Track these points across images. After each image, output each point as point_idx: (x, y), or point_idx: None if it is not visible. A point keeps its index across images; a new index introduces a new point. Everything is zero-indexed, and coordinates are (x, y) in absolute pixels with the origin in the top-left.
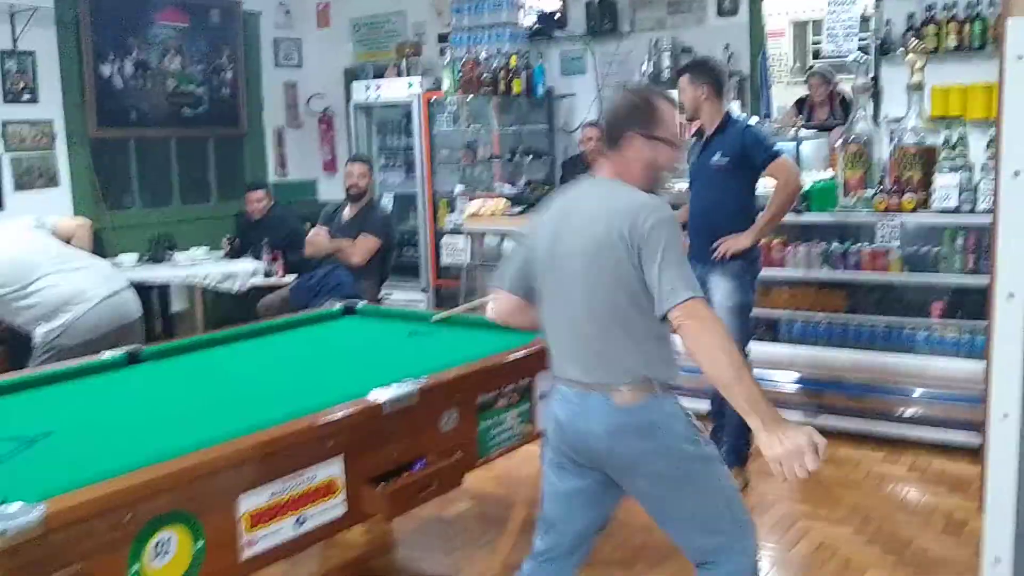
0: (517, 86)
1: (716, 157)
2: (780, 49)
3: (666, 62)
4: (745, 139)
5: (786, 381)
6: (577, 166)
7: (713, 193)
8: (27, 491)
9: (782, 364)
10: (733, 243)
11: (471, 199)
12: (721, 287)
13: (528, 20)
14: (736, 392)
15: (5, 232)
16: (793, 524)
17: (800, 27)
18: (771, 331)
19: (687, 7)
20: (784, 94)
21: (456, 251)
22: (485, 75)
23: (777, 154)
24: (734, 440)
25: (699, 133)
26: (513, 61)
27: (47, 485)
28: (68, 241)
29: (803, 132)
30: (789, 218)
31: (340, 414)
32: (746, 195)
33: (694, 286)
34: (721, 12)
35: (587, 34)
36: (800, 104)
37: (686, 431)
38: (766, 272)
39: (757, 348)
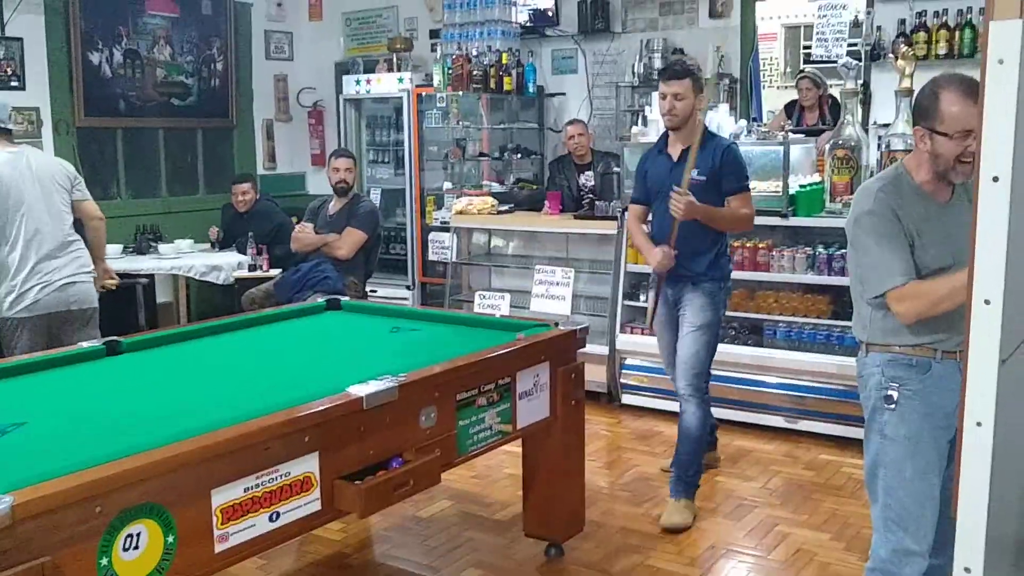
0: (508, 84)
1: (695, 172)
2: (772, 53)
3: (657, 63)
4: (727, 158)
5: (769, 384)
6: (564, 165)
7: None
8: None
9: (765, 367)
10: (691, 205)
11: (459, 196)
12: (693, 303)
13: (521, 17)
14: (957, 299)
15: (40, 163)
16: (772, 529)
17: (792, 31)
18: (755, 334)
19: (679, 8)
20: (775, 97)
21: (443, 248)
22: (476, 72)
23: (747, 188)
24: (683, 471)
25: (663, 142)
26: (504, 58)
27: (17, 476)
28: (77, 220)
29: (791, 136)
30: (776, 222)
31: (318, 409)
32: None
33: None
34: (713, 14)
35: (579, 33)
36: (790, 108)
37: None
38: (752, 275)
39: (741, 351)
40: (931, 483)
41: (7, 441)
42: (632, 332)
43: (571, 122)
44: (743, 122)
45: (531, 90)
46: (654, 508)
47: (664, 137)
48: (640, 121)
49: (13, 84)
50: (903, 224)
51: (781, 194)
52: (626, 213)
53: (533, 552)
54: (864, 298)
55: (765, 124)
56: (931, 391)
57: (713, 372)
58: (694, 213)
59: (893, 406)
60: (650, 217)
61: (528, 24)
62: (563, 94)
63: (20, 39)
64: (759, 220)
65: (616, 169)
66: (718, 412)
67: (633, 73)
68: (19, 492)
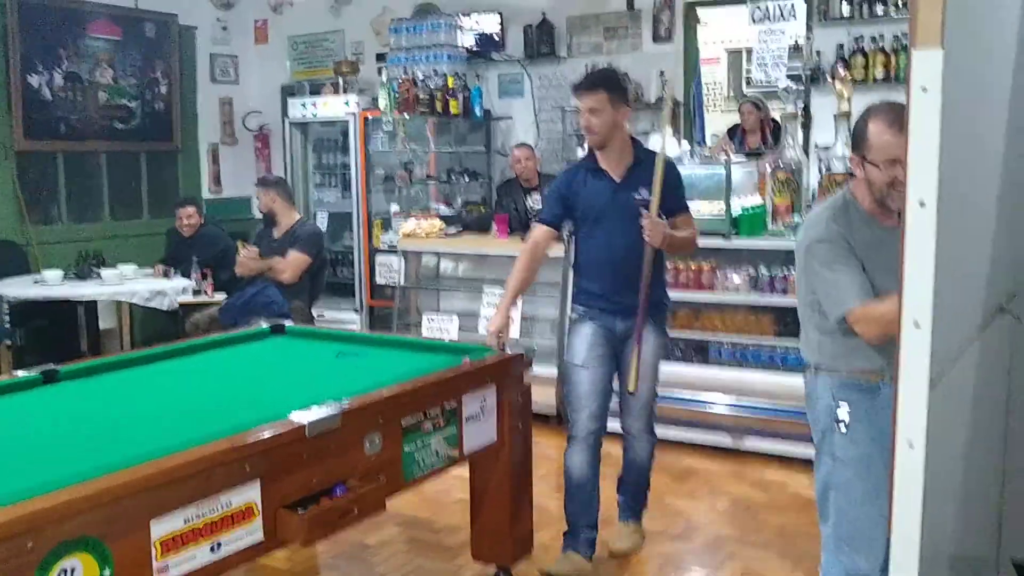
0: (455, 107)
1: (641, 193)
2: (715, 77)
3: None
4: (671, 175)
5: (714, 403)
6: (512, 188)
7: (635, 233)
8: None
9: (710, 386)
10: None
11: (406, 218)
12: (650, 341)
13: (467, 42)
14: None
15: None
16: (720, 549)
17: (735, 55)
18: (700, 353)
19: (623, 33)
20: (718, 121)
21: (390, 271)
22: (422, 95)
23: (686, 205)
24: (633, 498)
25: (592, 160)
26: (451, 82)
27: None
28: None
29: (734, 158)
30: (719, 243)
31: (260, 436)
32: None
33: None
34: (656, 39)
35: (525, 57)
36: (732, 131)
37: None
38: (696, 296)
39: (686, 370)
40: (882, 504)
41: None
42: None
43: (518, 146)
44: (686, 144)
45: (478, 114)
46: (602, 530)
47: (592, 155)
48: (583, 144)
49: None
50: (854, 250)
51: (724, 216)
52: (534, 232)
53: None
54: (817, 324)
55: (708, 147)
56: (880, 413)
57: (659, 392)
58: (665, 241)
59: (844, 428)
60: (573, 245)
61: (474, 48)
62: (510, 118)
63: None
64: (703, 242)
65: None
66: (663, 432)
67: None
68: None
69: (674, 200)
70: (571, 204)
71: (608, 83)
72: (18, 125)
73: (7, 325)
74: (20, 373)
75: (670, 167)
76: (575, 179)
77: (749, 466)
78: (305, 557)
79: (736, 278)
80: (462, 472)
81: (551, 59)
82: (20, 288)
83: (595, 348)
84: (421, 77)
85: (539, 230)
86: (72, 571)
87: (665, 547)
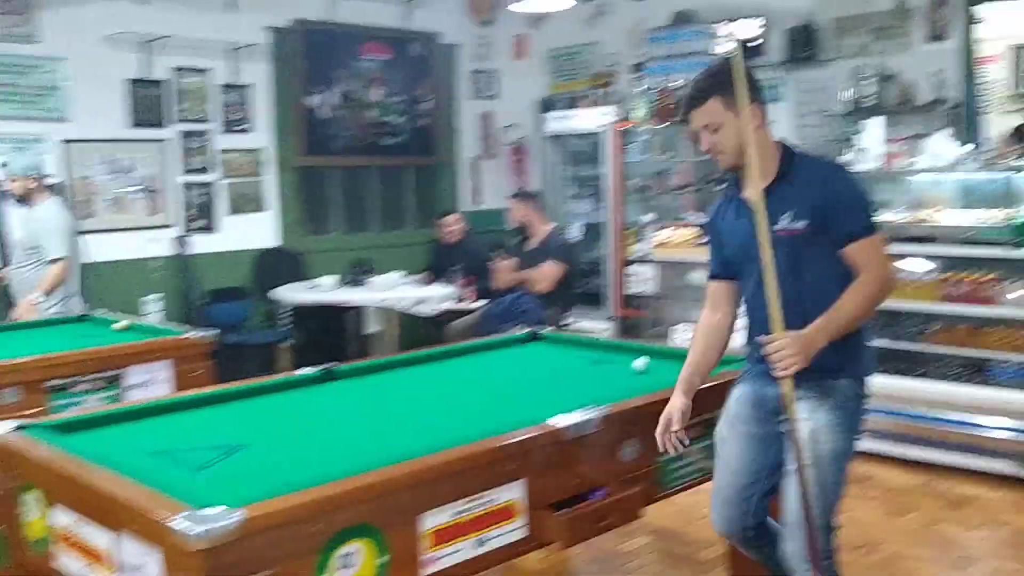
0: None
1: (786, 220)
2: (996, 74)
3: (871, 89)
4: (836, 185)
5: (996, 428)
6: None
7: (793, 276)
8: (228, 496)
9: (991, 409)
10: (803, 351)
11: (659, 228)
12: (818, 419)
13: (725, 49)
14: None
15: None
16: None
17: (1019, 51)
18: (979, 374)
19: (894, 32)
20: (1000, 122)
21: (643, 280)
22: (678, 104)
23: (875, 228)
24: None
25: (733, 178)
26: None
27: (245, 492)
28: None
29: (1021, 162)
30: (1002, 253)
31: (523, 438)
32: (845, 272)
33: None
34: (931, 37)
35: (787, 61)
36: (1019, 131)
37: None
38: (975, 310)
39: (961, 390)
40: None
41: (235, 460)
42: None
43: None
44: (969, 146)
45: None
46: (870, 554)
47: (734, 177)
48: (849, 150)
49: (242, 128)
50: None
51: (1012, 222)
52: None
53: None
54: None
55: (991, 150)
56: None
57: (926, 413)
58: (810, 354)
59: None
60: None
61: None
62: (771, 123)
63: (250, 86)
64: (983, 251)
65: None
66: (936, 456)
67: (842, 101)
68: (250, 506)
69: (843, 220)
70: (723, 247)
71: (716, 86)
72: (299, 142)
73: (288, 327)
74: (304, 370)
75: (836, 174)
76: (719, 212)
77: None
78: (559, 560)
79: (1022, 290)
80: None
81: (812, 62)
82: (298, 293)
83: (738, 415)
84: (678, 85)
85: (709, 288)
86: (353, 555)
87: None
